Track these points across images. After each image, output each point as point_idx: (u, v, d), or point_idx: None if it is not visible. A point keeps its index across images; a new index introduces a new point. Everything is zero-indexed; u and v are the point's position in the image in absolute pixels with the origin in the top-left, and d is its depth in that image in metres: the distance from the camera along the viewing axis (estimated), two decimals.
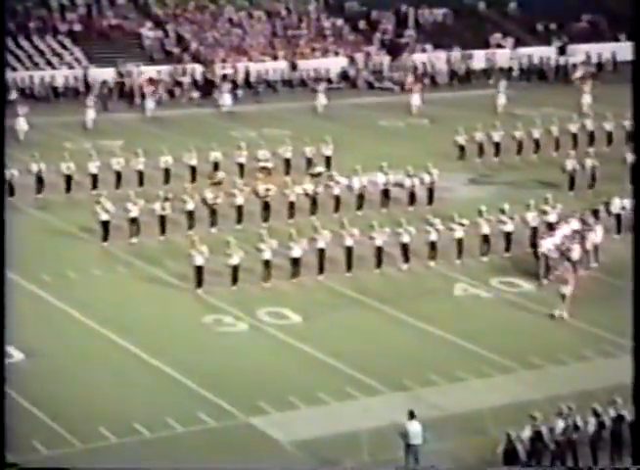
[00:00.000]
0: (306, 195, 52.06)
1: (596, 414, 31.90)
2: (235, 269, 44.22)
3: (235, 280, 44.29)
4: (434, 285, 45.26)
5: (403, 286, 45.12)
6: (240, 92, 76.66)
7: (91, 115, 67.74)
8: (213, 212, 50.19)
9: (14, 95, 69.94)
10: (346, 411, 34.89)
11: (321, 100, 73.58)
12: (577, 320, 42.14)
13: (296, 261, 45.07)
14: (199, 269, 43.97)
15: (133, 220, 48.82)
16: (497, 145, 62.36)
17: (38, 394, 35.20)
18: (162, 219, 49.25)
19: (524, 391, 35.93)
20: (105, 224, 48.54)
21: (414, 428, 31.25)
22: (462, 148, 61.43)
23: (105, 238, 48.57)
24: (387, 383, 36.47)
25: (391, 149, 59.58)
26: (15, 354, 37.63)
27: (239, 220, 50.53)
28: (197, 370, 37.16)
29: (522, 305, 44.02)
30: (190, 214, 49.78)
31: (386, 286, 45.05)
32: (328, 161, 57.60)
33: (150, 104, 72.69)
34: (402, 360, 38.26)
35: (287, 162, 57.71)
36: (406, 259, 46.79)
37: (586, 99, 73.34)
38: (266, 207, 50.99)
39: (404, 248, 46.77)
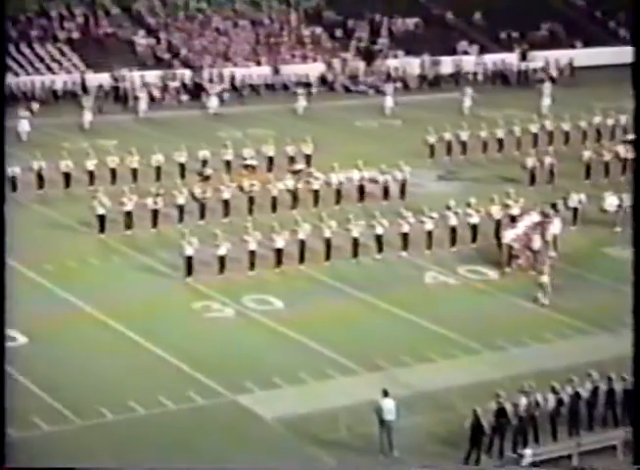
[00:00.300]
0: (288, 190, 51.98)
1: (555, 392, 31.94)
2: (222, 259, 44.10)
3: (222, 269, 44.12)
4: (405, 273, 45.21)
5: (377, 274, 45.00)
6: (226, 95, 76.50)
7: (88, 116, 67.56)
8: (202, 207, 50.03)
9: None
10: (325, 390, 34.86)
11: (301, 102, 73.50)
12: (538, 305, 41.99)
13: (278, 252, 44.93)
14: (188, 259, 43.84)
15: (127, 214, 48.75)
16: (464, 144, 62.27)
17: (40, 374, 35.06)
18: (155, 213, 49.14)
19: (488, 370, 35.92)
20: (101, 218, 48.40)
21: (387, 405, 31.20)
22: (432, 147, 61.30)
23: (101, 230, 48.42)
24: (362, 364, 36.43)
25: (366, 148, 59.47)
26: (19, 338, 37.42)
27: (225, 214, 50.44)
28: (187, 352, 37.04)
29: (486, 291, 44.09)
30: (180, 208, 49.71)
31: (361, 274, 44.97)
32: (308, 159, 57.49)
33: (142, 106, 72.49)
34: (376, 343, 38.22)
35: (270, 159, 57.57)
36: (380, 250, 46.66)
37: (546, 101, 73.22)
38: (251, 201, 50.91)
39: (378, 239, 46.65)
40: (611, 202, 50.75)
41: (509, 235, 46.31)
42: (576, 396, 32.12)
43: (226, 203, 50.63)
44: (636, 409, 23.92)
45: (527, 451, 30.29)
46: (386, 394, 31.35)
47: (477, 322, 40.21)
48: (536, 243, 46.02)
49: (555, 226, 47.46)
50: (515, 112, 68.75)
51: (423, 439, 31.58)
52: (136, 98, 73.60)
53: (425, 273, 45.23)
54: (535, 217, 47.55)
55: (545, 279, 42.89)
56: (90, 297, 41.52)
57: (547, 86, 76.62)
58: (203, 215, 49.93)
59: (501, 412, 30.92)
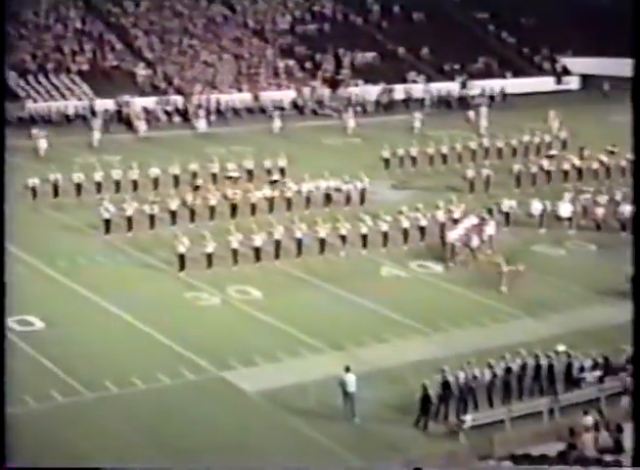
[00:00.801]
0: (265, 198, 51.83)
1: (490, 367, 32.03)
2: (209, 256, 44.02)
3: (210, 264, 44.00)
4: (364, 268, 45.13)
5: (341, 268, 44.92)
6: (212, 118, 76.27)
7: (96, 136, 67.30)
8: (192, 212, 49.86)
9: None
10: (298, 367, 34.83)
11: (276, 123, 73.28)
12: (476, 294, 42.13)
13: (257, 250, 44.88)
14: (181, 256, 43.75)
15: (128, 218, 48.51)
16: (413, 158, 62.21)
17: (55, 354, 34.92)
18: (152, 217, 48.89)
19: (434, 349, 35.92)
20: (107, 221, 48.26)
21: (350, 379, 31.33)
22: (386, 161, 61.26)
23: (107, 232, 48.22)
24: (328, 344, 36.45)
25: (331, 162, 59.36)
26: (36, 323, 37.45)
27: (212, 218, 50.12)
28: (180, 335, 36.96)
29: (432, 282, 44.02)
30: (173, 213, 49.50)
31: (327, 268, 44.83)
32: (282, 171, 57.32)
33: (142, 127, 72.35)
34: (340, 326, 38.24)
35: (249, 172, 57.36)
36: (344, 248, 46.55)
37: (483, 122, 73.33)
38: (233, 207, 50.71)
39: (342, 238, 46.61)
40: (536, 207, 50.89)
41: (452, 235, 46.41)
42: (508, 370, 32.27)
43: (212, 208, 50.45)
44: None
45: (468, 417, 30.44)
46: (348, 369, 31.48)
47: (424, 309, 40.29)
48: (474, 242, 46.19)
49: (490, 227, 47.52)
50: (456, 131, 68.82)
51: (380, 407, 31.65)
52: (137, 120, 73.31)
53: (381, 267, 45.23)
54: (474, 220, 47.72)
55: (505, 268, 42.99)
56: (97, 289, 41.37)
57: (484, 110, 76.69)
58: (192, 219, 49.68)
59: (445, 384, 31.08)
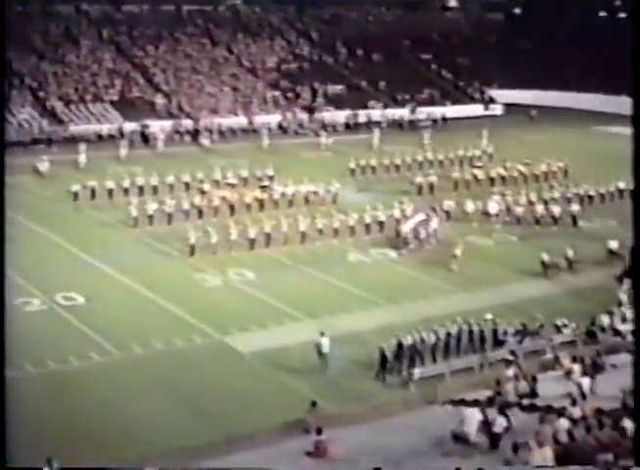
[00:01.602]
0: (257, 199, 51.50)
1: (434, 332, 32.01)
2: (214, 245, 43.80)
3: (214, 252, 43.77)
4: (336, 254, 44.81)
5: (317, 255, 44.63)
6: (215, 137, 75.84)
7: (124, 151, 66.78)
8: (199, 211, 49.50)
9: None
10: (283, 332, 34.63)
11: (265, 141, 72.85)
12: (422, 274, 42.10)
13: (251, 240, 44.65)
14: (192, 246, 43.62)
15: (150, 216, 48.15)
16: (373, 168, 62.00)
17: (93, 323, 34.67)
18: (169, 215, 48.57)
19: (390, 318, 35.72)
20: (134, 218, 47.91)
21: (324, 342, 31.34)
22: (352, 170, 61.02)
23: (134, 226, 47.83)
24: (307, 314, 36.30)
25: (309, 171, 58.91)
26: (77, 298, 37.21)
27: (215, 215, 49.66)
28: (189, 308, 36.74)
29: (389, 265, 43.83)
30: (185, 212, 49.08)
31: (306, 255, 44.54)
32: (271, 178, 56.90)
33: (160, 144, 72.00)
34: (316, 300, 38.02)
35: (244, 179, 56.93)
36: (320, 238, 46.41)
37: (427, 140, 72.93)
38: (232, 207, 50.32)
39: (319, 231, 46.43)
40: (471, 206, 50.89)
41: (404, 229, 46.36)
42: (448, 334, 32.34)
43: (215, 208, 50.13)
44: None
45: (416, 371, 30.39)
46: (322, 334, 31.50)
47: (382, 286, 40.06)
48: (422, 234, 46.15)
49: (434, 222, 47.38)
50: (407, 147, 68.58)
51: (348, 364, 31.55)
52: (155, 139, 72.97)
53: (348, 254, 44.97)
54: (422, 216, 47.65)
55: (458, 251, 42.99)
56: (124, 271, 41.00)
57: (428, 131, 76.53)
58: (200, 217, 49.31)
59: (399, 346, 31.09)
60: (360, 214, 47.87)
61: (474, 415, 25.16)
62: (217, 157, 66.71)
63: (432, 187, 57.07)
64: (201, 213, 49.50)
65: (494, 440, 24.65)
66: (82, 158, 62.47)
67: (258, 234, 45.04)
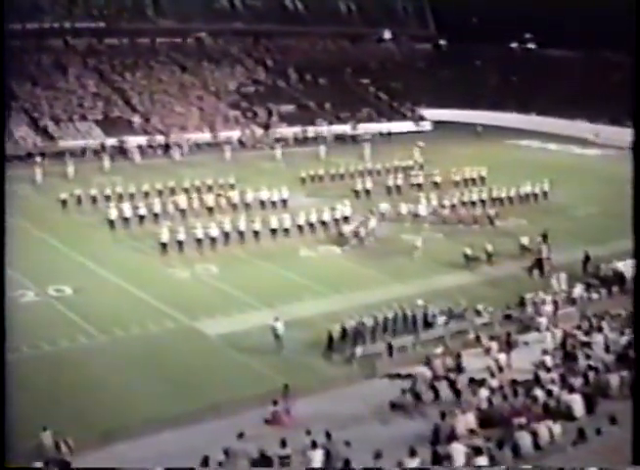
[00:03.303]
0: (210, 208, 50.88)
1: (373, 316, 32.05)
2: (181, 243, 43.45)
3: (181, 250, 43.49)
4: (289, 250, 44.54)
5: (273, 251, 44.36)
6: (184, 150, 75.01)
7: (107, 164, 66.07)
8: (156, 214, 49.02)
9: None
10: (244, 318, 34.41)
11: (228, 154, 72.38)
12: (363, 267, 42.04)
13: (213, 239, 44.23)
14: (163, 244, 43.22)
15: (125, 219, 47.78)
16: (321, 177, 61.84)
17: (80, 311, 34.32)
18: (141, 218, 48.14)
19: (335, 305, 35.70)
20: (111, 222, 47.53)
21: (279, 325, 31.34)
22: (303, 179, 60.77)
23: (112, 228, 47.36)
24: (263, 303, 36.05)
25: (265, 179, 58.58)
26: (66, 290, 36.85)
27: (183, 217, 49.02)
28: (162, 297, 36.47)
29: (333, 259, 43.64)
30: (155, 215, 48.60)
31: (264, 252, 44.29)
32: (232, 186, 56.27)
33: (137, 157, 71.39)
34: (272, 290, 37.73)
35: (209, 187, 56.13)
36: (273, 237, 46.23)
37: (367, 153, 72.83)
38: (211, 209, 50.07)
39: (272, 231, 46.27)
40: (405, 208, 50.88)
41: (346, 229, 46.33)
42: (385, 318, 32.39)
43: (183, 211, 49.65)
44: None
45: (358, 349, 30.45)
46: (277, 319, 31.53)
47: (329, 277, 40.06)
48: (362, 232, 46.11)
49: (372, 222, 47.43)
50: (351, 158, 68.48)
51: (299, 345, 31.54)
52: (133, 153, 72.28)
53: (299, 250, 44.68)
54: (360, 218, 47.70)
55: (418, 243, 43.48)
56: (107, 266, 40.62)
57: (367, 145, 76.28)
58: (167, 219, 48.50)
59: (343, 329, 31.12)
60: (307, 216, 47.63)
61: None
62: (186, 168, 66.28)
63: (367, 192, 57.10)
64: (166, 215, 48.89)
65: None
66: (70, 169, 61.72)
67: (220, 234, 44.69)
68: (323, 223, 48.13)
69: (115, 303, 36.03)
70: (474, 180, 60.91)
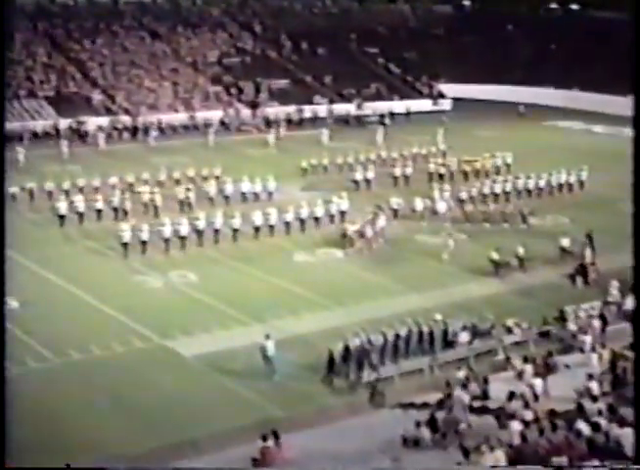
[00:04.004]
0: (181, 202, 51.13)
1: (382, 333, 32.11)
2: (144, 243, 43.89)
3: (144, 250, 44.10)
4: (281, 254, 44.66)
5: (263, 255, 44.42)
6: (154, 134, 75.14)
7: (64, 148, 66.24)
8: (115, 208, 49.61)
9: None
10: (227, 336, 34.49)
11: (211, 138, 72.40)
12: (369, 274, 42.09)
13: (183, 238, 44.73)
14: (124, 244, 43.54)
15: (80, 214, 48.55)
16: (325, 167, 61.31)
17: (29, 328, 34.17)
18: (99, 212, 48.91)
19: (337, 320, 35.79)
20: (61, 217, 48.17)
21: (269, 345, 31.34)
22: (304, 169, 60.57)
23: (61, 225, 47.96)
24: (252, 317, 36.11)
25: (258, 168, 58.49)
26: (11, 303, 36.67)
27: (156, 215, 49.28)
28: (128, 310, 36.55)
29: (335, 266, 43.74)
30: (115, 209, 49.23)
31: (249, 254, 44.34)
32: (217, 178, 56.01)
33: (101, 142, 71.43)
34: (262, 302, 37.75)
35: (191, 179, 55.83)
36: (256, 236, 46.55)
37: (379, 135, 72.92)
38: (184, 203, 50.32)
39: (255, 229, 46.66)
40: (418, 203, 50.99)
41: (351, 228, 46.29)
42: (397, 336, 32.40)
43: (156, 207, 49.72)
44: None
45: (365, 374, 30.53)
46: (268, 337, 31.49)
47: (329, 287, 40.09)
48: (369, 232, 46.15)
49: (381, 220, 47.48)
50: (357, 145, 68.51)
51: (294, 367, 31.59)
52: (94, 137, 72.36)
53: (294, 254, 44.68)
54: (370, 217, 47.72)
55: (451, 243, 43.93)
56: (62, 273, 40.68)
57: (380, 128, 75.92)
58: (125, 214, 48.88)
59: (346, 348, 31.10)
60: (297, 211, 47.99)
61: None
62: (160, 155, 66.35)
63: (369, 183, 57.61)
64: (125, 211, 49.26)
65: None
66: (21, 157, 61.50)
67: (190, 231, 45.09)
68: (316, 220, 48.50)
69: (72, 318, 36.05)
70: (497, 169, 61.01)
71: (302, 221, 47.83)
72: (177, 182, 55.41)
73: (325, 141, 72.55)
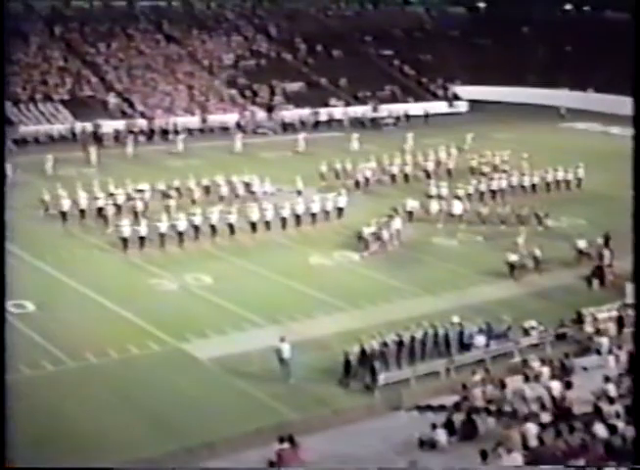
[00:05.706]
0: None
1: (398, 336, 32.04)
2: (142, 239, 44.71)
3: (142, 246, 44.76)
4: (297, 257, 44.63)
5: (279, 258, 44.32)
6: (171, 137, 75.05)
7: (93, 154, 65.50)
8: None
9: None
10: (242, 338, 34.43)
11: (238, 144, 71.12)
12: (385, 277, 42.00)
13: (180, 234, 45.39)
14: (124, 240, 44.31)
15: (82, 211, 49.37)
16: (346, 170, 60.33)
17: (45, 331, 34.37)
18: (99, 210, 49.39)
19: (353, 322, 35.71)
20: (63, 214, 48.89)
21: (285, 347, 31.20)
22: (322, 174, 59.32)
23: (64, 221, 48.74)
24: (267, 319, 36.09)
25: (267, 171, 58.54)
26: (28, 306, 36.78)
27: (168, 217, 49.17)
28: (144, 313, 36.53)
29: (351, 268, 43.64)
30: (118, 207, 49.58)
31: (269, 258, 44.25)
32: (247, 185, 54.72)
33: (129, 149, 69.60)
34: (278, 305, 37.72)
35: (207, 188, 54.32)
36: (253, 232, 46.82)
37: (409, 140, 71.49)
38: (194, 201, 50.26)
39: (252, 225, 47.50)
40: (434, 206, 50.89)
41: (366, 231, 46.16)
42: (412, 338, 32.31)
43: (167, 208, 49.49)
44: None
45: (381, 376, 30.44)
46: (283, 339, 31.38)
47: (345, 290, 39.95)
48: (385, 235, 46.07)
49: (397, 222, 47.36)
50: (373, 147, 68.29)
51: (310, 370, 31.50)
52: (109, 140, 72.60)
53: (310, 257, 44.59)
54: (384, 219, 47.58)
55: (521, 241, 43.92)
56: (76, 276, 40.64)
57: (411, 133, 73.15)
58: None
59: (362, 351, 31.04)
60: (293, 207, 48.64)
61: None
62: (175, 158, 66.35)
63: (367, 181, 58.20)
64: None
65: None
66: (49, 166, 60.92)
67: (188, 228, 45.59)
68: (313, 216, 49.30)
69: (89, 321, 35.99)
70: (495, 167, 61.27)
71: (298, 217, 48.72)
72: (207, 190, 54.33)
73: (355, 146, 71.14)
